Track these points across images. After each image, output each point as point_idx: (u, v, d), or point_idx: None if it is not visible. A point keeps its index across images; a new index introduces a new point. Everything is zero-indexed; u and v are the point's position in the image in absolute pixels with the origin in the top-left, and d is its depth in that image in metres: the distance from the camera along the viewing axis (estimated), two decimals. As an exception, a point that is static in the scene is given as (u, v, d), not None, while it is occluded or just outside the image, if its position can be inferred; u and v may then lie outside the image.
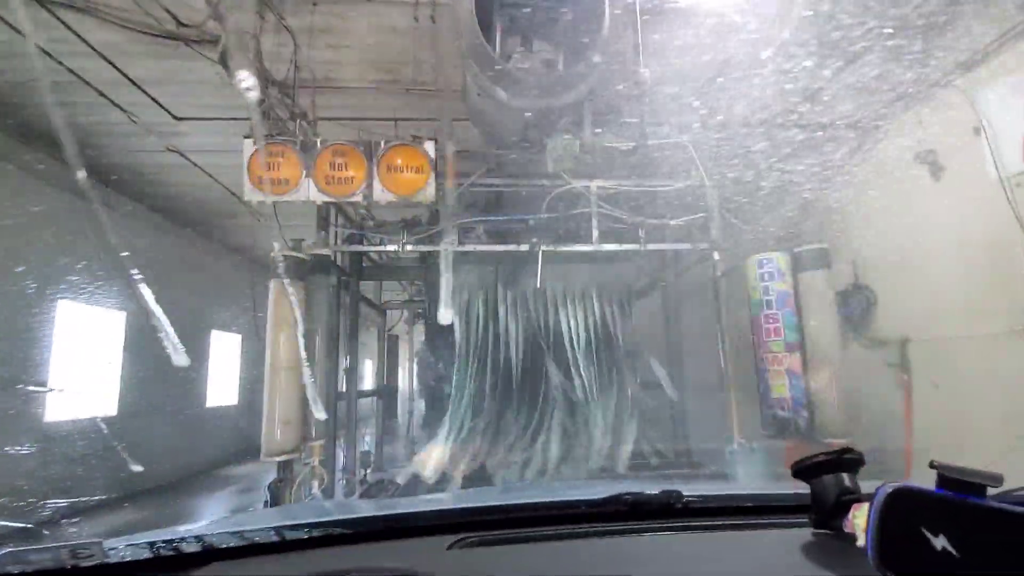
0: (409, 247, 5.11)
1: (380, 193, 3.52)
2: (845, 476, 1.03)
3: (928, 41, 3.94)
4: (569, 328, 5.33)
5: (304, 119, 3.69)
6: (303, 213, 4.55)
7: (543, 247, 5.20)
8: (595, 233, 5.34)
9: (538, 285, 5.14)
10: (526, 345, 5.22)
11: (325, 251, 4.14)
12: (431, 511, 1.31)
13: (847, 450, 1.05)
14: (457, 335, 5.09)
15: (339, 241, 5.28)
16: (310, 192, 3.48)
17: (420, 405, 8.15)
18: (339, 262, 6.51)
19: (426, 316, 6.90)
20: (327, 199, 3.51)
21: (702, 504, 1.25)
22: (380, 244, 5.11)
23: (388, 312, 9.87)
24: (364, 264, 7.36)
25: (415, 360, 6.93)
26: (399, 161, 3.53)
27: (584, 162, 3.83)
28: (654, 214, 5.65)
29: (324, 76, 5.15)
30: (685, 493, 1.23)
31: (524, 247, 5.23)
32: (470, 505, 1.41)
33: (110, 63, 4.84)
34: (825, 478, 1.03)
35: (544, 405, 5.11)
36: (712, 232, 5.39)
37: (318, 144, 3.42)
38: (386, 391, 9.47)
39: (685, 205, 5.88)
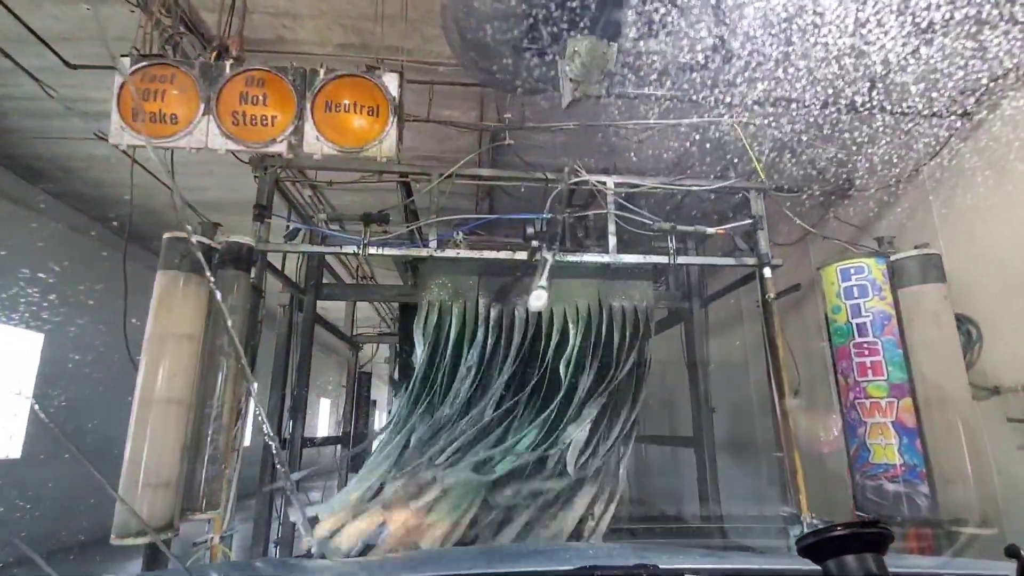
0: (372, 249, 3.94)
1: (315, 142, 2.38)
2: (870, 558, 0.80)
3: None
4: (570, 359, 4.10)
5: (225, 52, 2.59)
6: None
7: (550, 256, 4.04)
8: (612, 240, 4.20)
9: (544, 302, 3.95)
10: (510, 378, 3.96)
11: (244, 239, 2.94)
12: None
13: (872, 522, 0.81)
14: (419, 361, 3.86)
15: (286, 237, 4.11)
16: (208, 136, 2.35)
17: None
18: (295, 276, 5.35)
19: (399, 345, 5.63)
20: (234, 147, 2.37)
21: None
22: (330, 243, 3.96)
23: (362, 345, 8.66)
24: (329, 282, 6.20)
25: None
26: (345, 98, 2.42)
27: (611, 82, 2.65)
28: (687, 218, 4.55)
29: (276, 35, 4.12)
30: (663, 566, 1.06)
31: (521, 255, 4.07)
32: None
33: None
34: (844, 560, 0.79)
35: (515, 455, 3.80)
36: (760, 244, 4.27)
37: (226, 69, 2.31)
38: (354, 438, 8.11)
39: (727, 209, 4.80)
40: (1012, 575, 0.72)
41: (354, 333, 7.86)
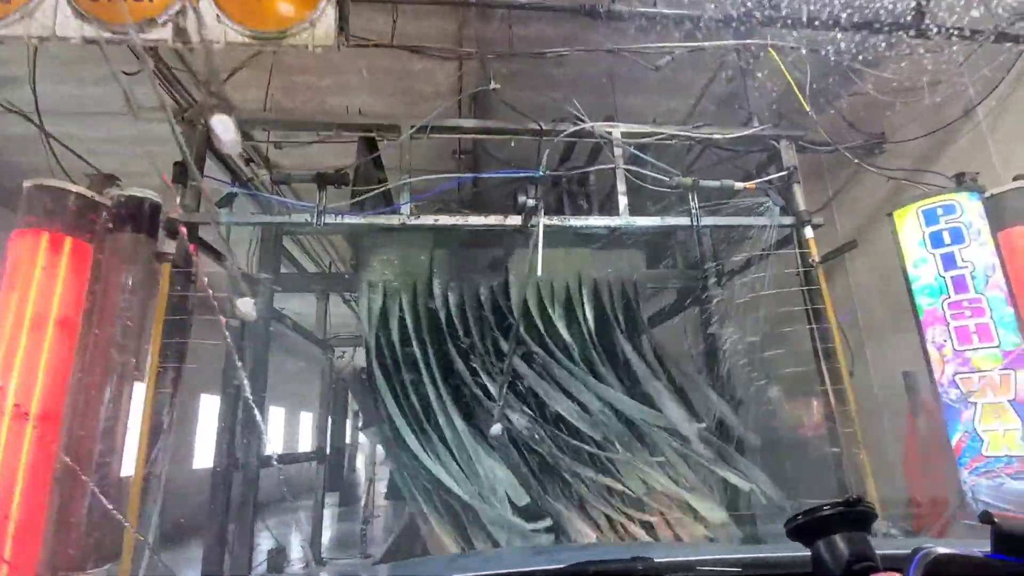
0: (329, 219, 3.17)
1: (215, 24, 1.63)
2: (855, 536, 0.77)
3: None
4: (563, 342, 3.40)
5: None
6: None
7: (544, 220, 3.32)
8: (622, 201, 3.50)
9: (539, 272, 3.22)
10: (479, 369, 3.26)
11: (148, 193, 2.18)
12: None
13: (857, 501, 0.78)
14: (369, 356, 3.18)
15: (218, 204, 3.31)
16: (57, 17, 1.59)
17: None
18: (248, 264, 4.55)
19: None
20: (93, 33, 1.61)
21: (681, 572, 1.03)
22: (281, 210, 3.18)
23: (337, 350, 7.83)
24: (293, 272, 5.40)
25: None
26: (258, -36, 1.68)
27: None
28: (708, 171, 3.85)
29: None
30: (659, 559, 1.03)
31: (514, 220, 3.34)
32: None
33: None
34: (832, 539, 0.77)
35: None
36: (797, 199, 3.59)
37: (83, -78, 1.56)
38: (332, 453, 7.27)
39: (750, 167, 4.10)
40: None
41: (326, 335, 7.05)
